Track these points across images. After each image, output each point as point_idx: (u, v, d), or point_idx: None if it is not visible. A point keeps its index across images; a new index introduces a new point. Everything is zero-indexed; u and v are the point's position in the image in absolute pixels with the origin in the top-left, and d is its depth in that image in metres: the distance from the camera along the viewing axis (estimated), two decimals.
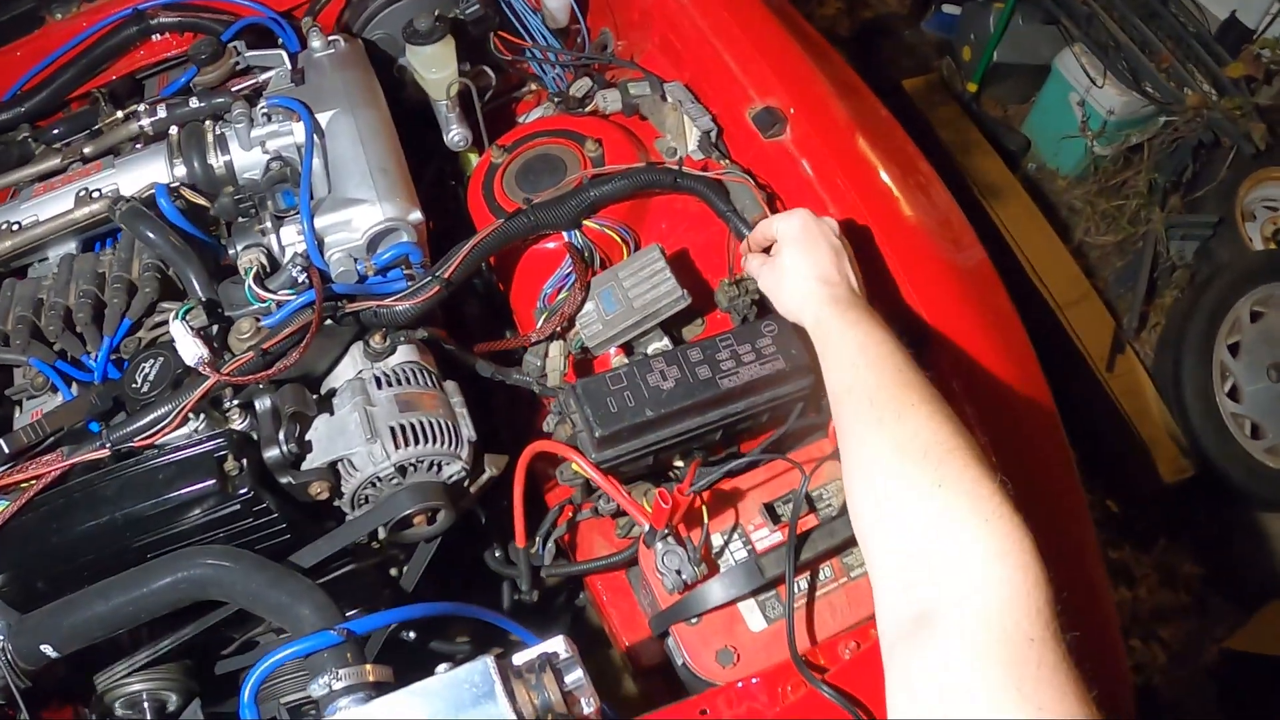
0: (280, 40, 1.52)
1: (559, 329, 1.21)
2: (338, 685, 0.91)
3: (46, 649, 1.04)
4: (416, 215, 1.20)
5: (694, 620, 1.05)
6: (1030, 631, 0.69)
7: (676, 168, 1.26)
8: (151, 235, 1.17)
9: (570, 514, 1.25)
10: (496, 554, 1.31)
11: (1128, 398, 2.73)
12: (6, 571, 1.04)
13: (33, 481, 1.06)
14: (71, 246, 1.32)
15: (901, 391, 0.88)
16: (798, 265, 1.05)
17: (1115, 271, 3.08)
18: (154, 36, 1.57)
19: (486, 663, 0.87)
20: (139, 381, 1.08)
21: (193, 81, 1.45)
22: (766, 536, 1.07)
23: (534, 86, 1.76)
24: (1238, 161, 2.89)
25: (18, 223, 1.29)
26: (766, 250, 1.16)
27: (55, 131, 1.50)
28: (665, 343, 1.22)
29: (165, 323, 1.16)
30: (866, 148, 1.38)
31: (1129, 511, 2.67)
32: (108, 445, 1.04)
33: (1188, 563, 2.66)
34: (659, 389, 1.07)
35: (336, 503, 1.09)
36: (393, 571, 1.29)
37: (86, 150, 1.39)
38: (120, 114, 1.43)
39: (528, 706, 0.85)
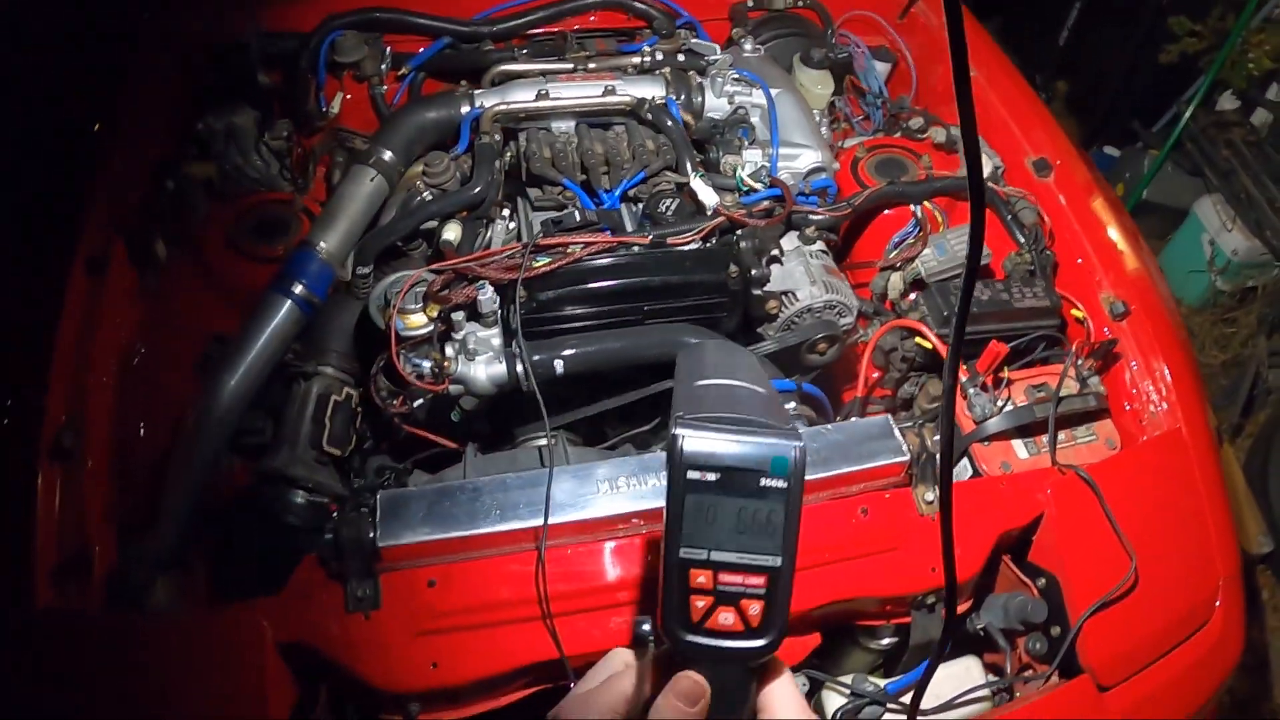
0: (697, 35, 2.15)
1: (899, 263, 1.84)
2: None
3: (558, 364, 1.42)
4: (836, 165, 1.86)
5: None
6: None
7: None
8: (670, 124, 1.77)
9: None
10: None
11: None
12: (547, 297, 1.42)
13: (580, 245, 1.46)
14: (570, 124, 1.80)
15: None
16: None
17: (1220, 389, 3.64)
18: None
19: (887, 416, 1.47)
20: (664, 208, 1.67)
21: (653, 46, 2.04)
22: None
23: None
24: None
25: (546, 90, 1.79)
26: None
27: (524, 51, 2.03)
28: None
29: (661, 184, 1.74)
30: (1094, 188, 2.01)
31: None
32: (649, 234, 1.54)
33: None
34: (979, 298, 1.68)
35: (769, 325, 1.67)
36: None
37: (590, 65, 1.94)
38: (583, 51, 2.00)
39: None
